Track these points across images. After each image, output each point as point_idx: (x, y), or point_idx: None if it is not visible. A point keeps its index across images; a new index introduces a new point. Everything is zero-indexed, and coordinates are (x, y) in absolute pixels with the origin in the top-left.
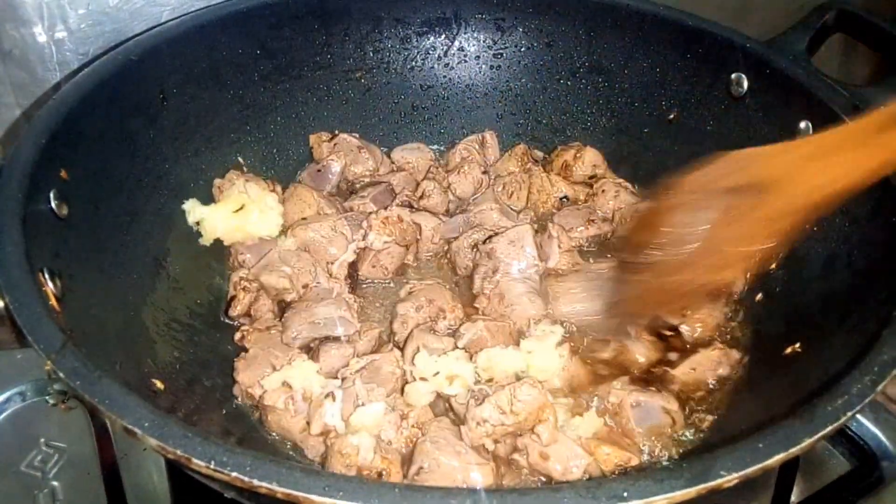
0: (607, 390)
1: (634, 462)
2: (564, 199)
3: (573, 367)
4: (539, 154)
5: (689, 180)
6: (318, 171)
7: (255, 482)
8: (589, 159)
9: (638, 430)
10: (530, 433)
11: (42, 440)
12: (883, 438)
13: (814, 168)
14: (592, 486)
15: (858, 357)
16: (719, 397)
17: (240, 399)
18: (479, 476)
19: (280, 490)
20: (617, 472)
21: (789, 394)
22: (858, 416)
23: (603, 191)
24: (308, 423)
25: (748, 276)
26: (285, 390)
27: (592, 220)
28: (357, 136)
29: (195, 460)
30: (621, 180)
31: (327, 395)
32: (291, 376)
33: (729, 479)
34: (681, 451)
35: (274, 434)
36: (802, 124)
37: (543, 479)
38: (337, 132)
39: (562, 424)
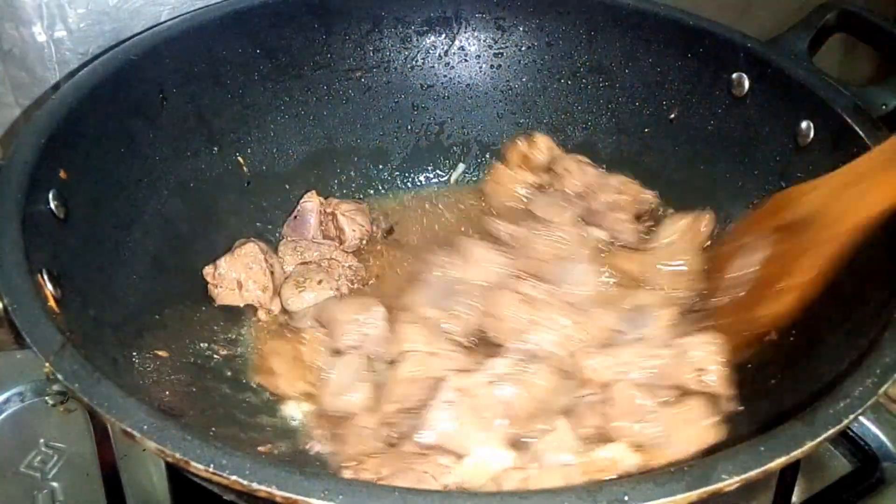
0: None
1: None
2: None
3: None
4: None
5: (742, 226)
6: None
7: (255, 485)
8: (543, 143)
9: None
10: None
11: (41, 441)
12: (884, 439)
13: (850, 194)
14: (593, 490)
15: (860, 359)
16: None
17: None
18: None
19: (279, 494)
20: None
21: (790, 395)
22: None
23: (566, 169)
24: None
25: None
26: None
27: (570, 201)
28: None
29: (194, 463)
30: (577, 156)
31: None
32: None
33: (730, 482)
34: None
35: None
36: (804, 124)
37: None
38: None
39: None
